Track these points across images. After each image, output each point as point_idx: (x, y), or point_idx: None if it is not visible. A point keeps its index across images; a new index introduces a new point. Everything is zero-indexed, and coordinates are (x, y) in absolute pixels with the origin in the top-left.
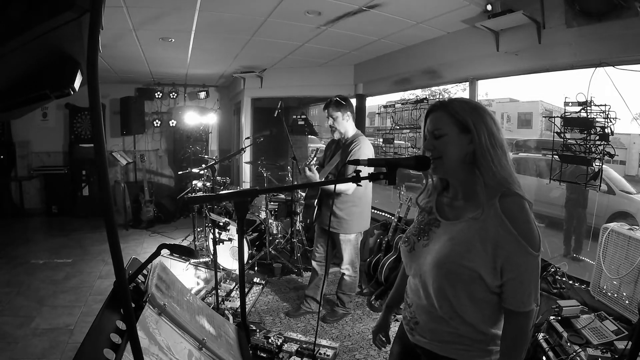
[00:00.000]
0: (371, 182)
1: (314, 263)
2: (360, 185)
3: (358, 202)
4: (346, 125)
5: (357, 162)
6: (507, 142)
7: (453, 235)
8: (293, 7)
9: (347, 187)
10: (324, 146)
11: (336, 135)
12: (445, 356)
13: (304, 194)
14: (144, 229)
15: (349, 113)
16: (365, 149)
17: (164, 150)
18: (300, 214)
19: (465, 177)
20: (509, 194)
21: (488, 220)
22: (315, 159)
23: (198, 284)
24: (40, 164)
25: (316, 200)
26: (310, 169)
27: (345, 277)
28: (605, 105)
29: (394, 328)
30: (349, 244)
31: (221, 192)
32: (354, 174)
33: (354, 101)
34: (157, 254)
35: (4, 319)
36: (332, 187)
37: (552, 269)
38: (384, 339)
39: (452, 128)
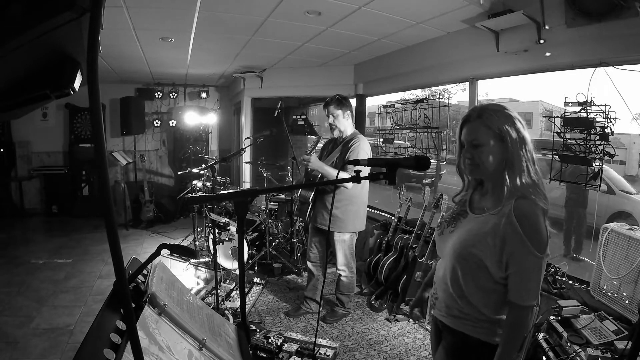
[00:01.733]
0: (368, 182)
1: (309, 264)
2: (359, 182)
3: (354, 200)
4: (346, 123)
5: (357, 162)
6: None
7: (472, 227)
8: (293, 7)
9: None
10: (324, 140)
11: (336, 134)
12: (455, 329)
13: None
14: (144, 229)
15: (349, 112)
16: (365, 146)
17: (164, 150)
18: (294, 211)
19: (497, 179)
20: (524, 197)
21: (502, 219)
22: (315, 148)
23: (198, 284)
24: (40, 164)
25: (310, 197)
26: (309, 154)
27: (342, 278)
28: (605, 105)
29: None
30: (344, 244)
31: (221, 192)
32: (354, 174)
33: (353, 101)
34: (157, 254)
35: (4, 319)
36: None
37: (552, 269)
38: (419, 313)
39: (488, 139)
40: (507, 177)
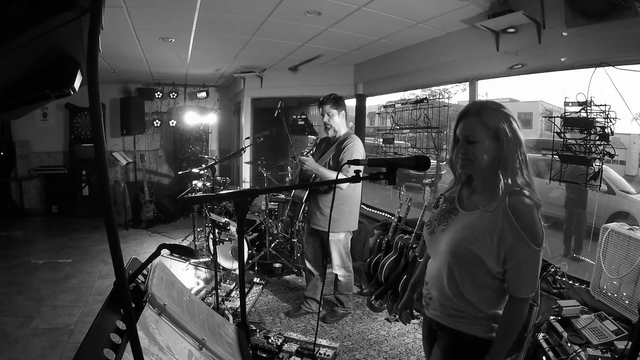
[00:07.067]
0: (361, 182)
1: (307, 264)
2: (359, 182)
3: (347, 200)
4: (340, 123)
5: (357, 162)
6: None
7: (466, 224)
8: (293, 7)
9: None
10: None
11: (330, 133)
12: (452, 328)
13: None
14: (144, 229)
15: (343, 112)
16: (359, 146)
17: (164, 150)
18: (287, 210)
19: (488, 176)
20: (517, 193)
21: (496, 214)
22: (313, 149)
23: (198, 284)
24: (40, 164)
25: (304, 197)
26: (307, 155)
27: (339, 278)
28: (605, 105)
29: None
30: (339, 243)
31: (221, 192)
32: (354, 174)
33: (353, 101)
34: (157, 254)
35: (4, 319)
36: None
37: (552, 269)
38: (409, 314)
39: (484, 136)
40: (500, 176)
